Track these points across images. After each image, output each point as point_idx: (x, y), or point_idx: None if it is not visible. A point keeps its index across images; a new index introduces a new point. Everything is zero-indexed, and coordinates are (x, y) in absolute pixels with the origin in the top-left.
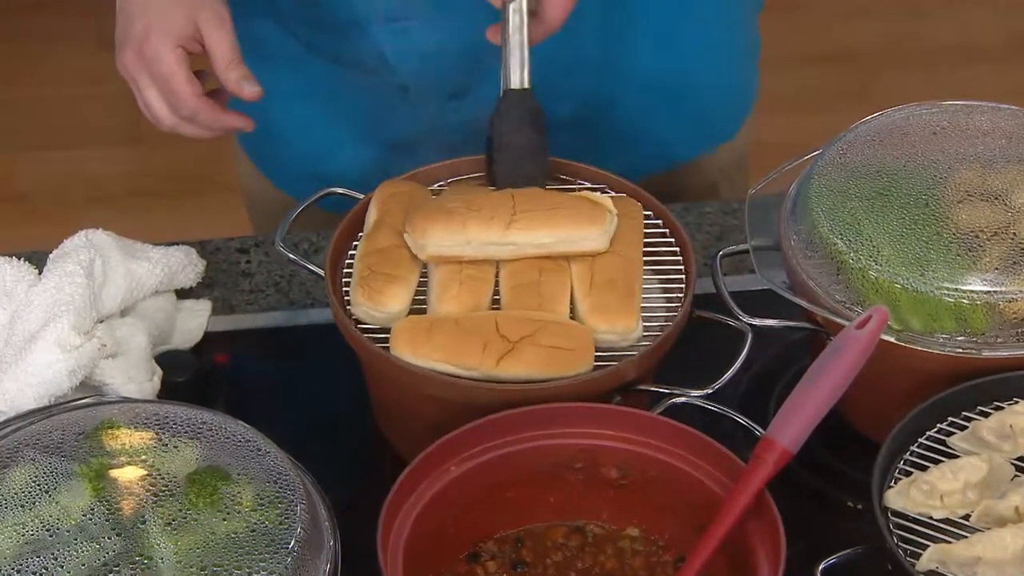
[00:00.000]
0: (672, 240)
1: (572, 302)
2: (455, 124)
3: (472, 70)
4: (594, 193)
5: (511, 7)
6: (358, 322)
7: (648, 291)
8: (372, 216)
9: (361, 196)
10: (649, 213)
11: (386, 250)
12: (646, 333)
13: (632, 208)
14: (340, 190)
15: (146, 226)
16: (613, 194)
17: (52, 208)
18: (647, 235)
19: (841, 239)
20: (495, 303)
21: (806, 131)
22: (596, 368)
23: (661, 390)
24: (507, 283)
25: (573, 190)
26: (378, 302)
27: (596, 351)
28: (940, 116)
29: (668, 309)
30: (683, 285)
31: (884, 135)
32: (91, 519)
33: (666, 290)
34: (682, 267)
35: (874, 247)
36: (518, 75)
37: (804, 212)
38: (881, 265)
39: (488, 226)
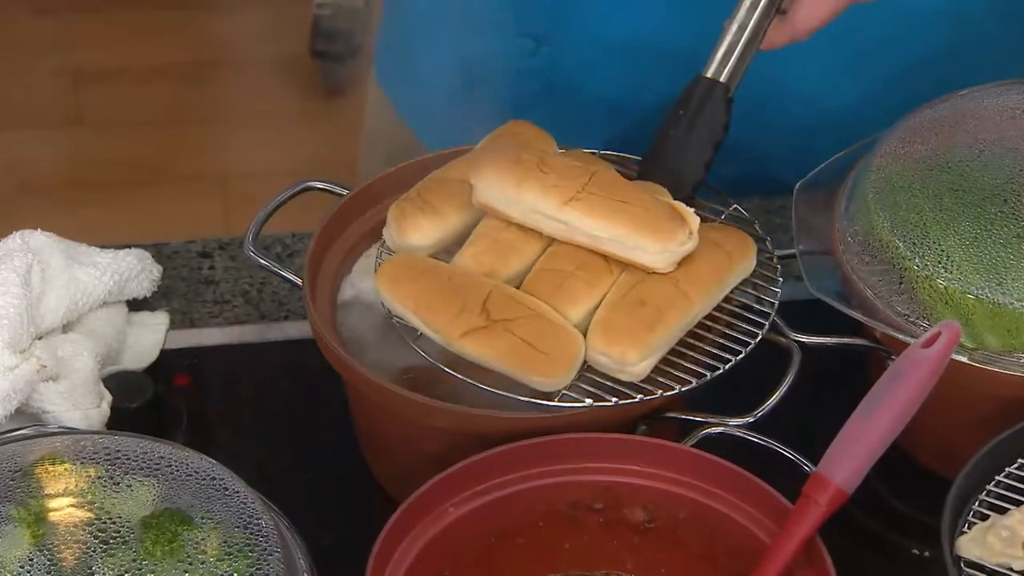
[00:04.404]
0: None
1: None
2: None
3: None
4: (684, 207)
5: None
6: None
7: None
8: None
9: (344, 192)
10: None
11: (448, 181)
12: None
13: (739, 245)
14: (320, 184)
15: (89, 223)
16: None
17: None
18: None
19: (904, 242)
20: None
21: None
22: (574, 388)
23: (694, 418)
24: (539, 264)
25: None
26: (402, 228)
27: (590, 374)
28: (1020, 96)
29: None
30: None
31: (953, 120)
32: (30, 571)
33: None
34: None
35: (943, 251)
36: (715, 64)
37: (861, 210)
38: (951, 272)
39: (545, 194)
